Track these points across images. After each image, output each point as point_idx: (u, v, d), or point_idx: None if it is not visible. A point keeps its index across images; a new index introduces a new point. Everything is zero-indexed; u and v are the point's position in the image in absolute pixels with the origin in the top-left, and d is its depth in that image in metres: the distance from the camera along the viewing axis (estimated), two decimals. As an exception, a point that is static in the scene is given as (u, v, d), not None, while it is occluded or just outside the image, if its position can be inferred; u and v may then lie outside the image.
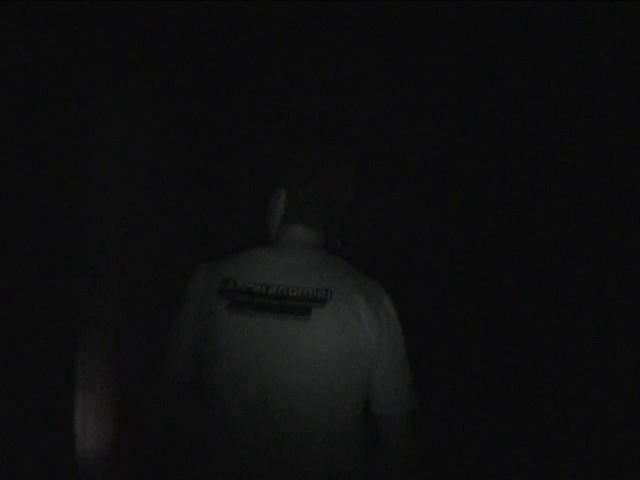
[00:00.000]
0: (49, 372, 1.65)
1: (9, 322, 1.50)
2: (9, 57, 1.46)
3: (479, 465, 2.21)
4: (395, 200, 2.24)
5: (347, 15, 2.14)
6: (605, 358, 2.09)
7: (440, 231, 2.32)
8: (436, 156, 2.27)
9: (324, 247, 1.26)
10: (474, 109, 2.26)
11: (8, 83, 1.47)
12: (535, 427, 2.20)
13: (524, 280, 2.32)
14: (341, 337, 1.10)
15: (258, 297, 1.12)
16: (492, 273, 2.31)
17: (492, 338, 2.31)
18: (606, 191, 2.01)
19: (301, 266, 1.16)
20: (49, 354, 1.65)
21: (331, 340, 1.10)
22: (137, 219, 1.97)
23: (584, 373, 2.14)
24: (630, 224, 1.87)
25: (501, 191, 2.33)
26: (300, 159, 1.25)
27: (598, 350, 2.12)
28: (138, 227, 1.98)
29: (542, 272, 2.26)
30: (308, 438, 1.09)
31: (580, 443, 2.04)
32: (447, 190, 2.30)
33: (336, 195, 1.25)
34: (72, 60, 1.67)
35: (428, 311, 2.22)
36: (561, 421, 2.11)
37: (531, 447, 2.20)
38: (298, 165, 1.25)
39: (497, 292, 2.31)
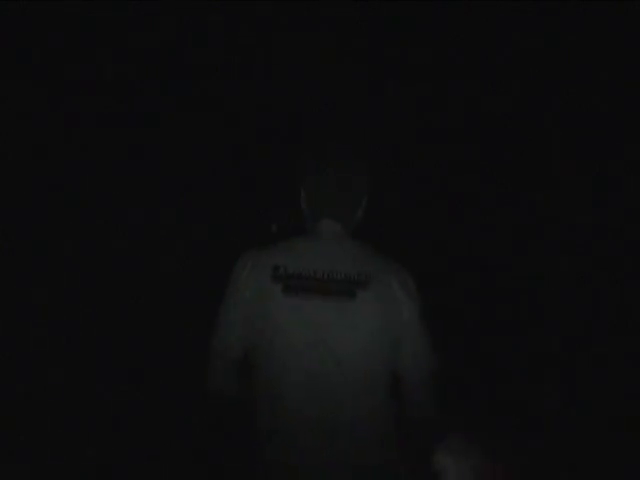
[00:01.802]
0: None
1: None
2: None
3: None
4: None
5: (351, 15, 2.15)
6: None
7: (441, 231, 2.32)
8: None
9: (351, 235, 1.39)
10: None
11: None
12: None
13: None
14: (380, 313, 1.28)
15: (308, 281, 1.29)
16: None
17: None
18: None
19: (340, 253, 1.33)
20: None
21: (373, 316, 1.28)
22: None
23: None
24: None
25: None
26: (313, 160, 1.36)
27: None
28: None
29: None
30: (355, 391, 1.27)
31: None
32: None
33: (350, 190, 1.37)
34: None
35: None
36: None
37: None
38: (312, 166, 1.36)
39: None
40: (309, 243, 1.35)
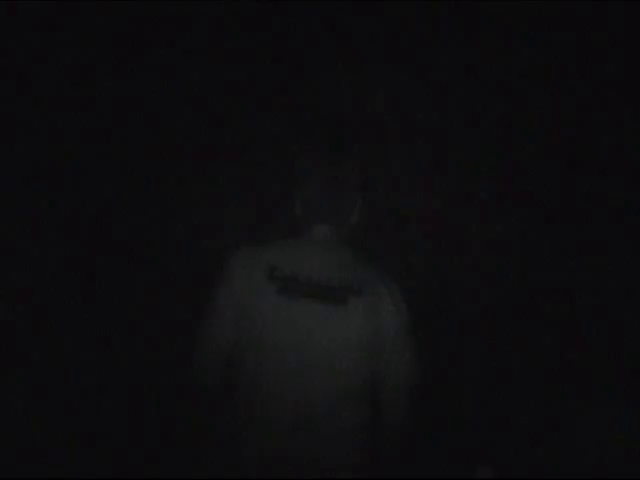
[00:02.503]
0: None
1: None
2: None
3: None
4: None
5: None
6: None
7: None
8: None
9: (345, 240, 1.42)
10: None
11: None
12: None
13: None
14: (369, 322, 1.32)
15: (304, 285, 1.31)
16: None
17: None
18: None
19: (336, 260, 1.36)
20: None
21: (362, 325, 1.31)
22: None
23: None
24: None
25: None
26: (306, 163, 1.37)
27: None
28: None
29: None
30: (333, 394, 1.31)
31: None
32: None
33: (344, 194, 1.39)
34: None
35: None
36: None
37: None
38: (305, 169, 1.37)
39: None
40: (305, 247, 1.37)
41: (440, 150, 2.28)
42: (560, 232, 2.26)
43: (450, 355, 2.17)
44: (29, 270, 2.07)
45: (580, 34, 2.15)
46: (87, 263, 2.12)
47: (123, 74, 2.16)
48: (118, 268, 2.13)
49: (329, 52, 2.18)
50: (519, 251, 2.28)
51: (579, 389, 2.12)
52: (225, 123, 2.19)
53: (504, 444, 2.11)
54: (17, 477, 1.88)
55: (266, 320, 1.30)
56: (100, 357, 2.09)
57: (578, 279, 2.23)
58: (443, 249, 2.27)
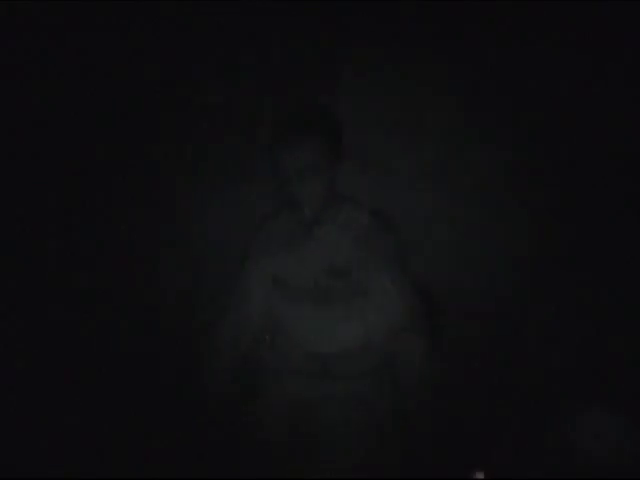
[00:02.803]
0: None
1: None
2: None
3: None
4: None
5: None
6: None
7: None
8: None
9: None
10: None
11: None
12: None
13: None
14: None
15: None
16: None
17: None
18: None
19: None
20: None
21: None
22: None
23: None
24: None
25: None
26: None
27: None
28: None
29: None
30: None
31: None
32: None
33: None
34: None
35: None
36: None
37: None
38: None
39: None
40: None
41: (440, 150, 2.28)
42: (560, 232, 2.26)
43: (450, 355, 2.16)
44: (29, 270, 2.08)
45: (580, 33, 2.14)
46: (88, 266, 2.12)
47: (124, 74, 2.16)
48: (118, 270, 2.14)
49: (329, 52, 2.18)
50: (519, 251, 2.28)
51: (578, 389, 2.13)
52: (225, 124, 2.19)
53: (502, 444, 2.11)
54: (17, 477, 1.89)
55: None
56: (101, 357, 2.10)
57: (578, 279, 2.23)
58: (443, 249, 2.27)
